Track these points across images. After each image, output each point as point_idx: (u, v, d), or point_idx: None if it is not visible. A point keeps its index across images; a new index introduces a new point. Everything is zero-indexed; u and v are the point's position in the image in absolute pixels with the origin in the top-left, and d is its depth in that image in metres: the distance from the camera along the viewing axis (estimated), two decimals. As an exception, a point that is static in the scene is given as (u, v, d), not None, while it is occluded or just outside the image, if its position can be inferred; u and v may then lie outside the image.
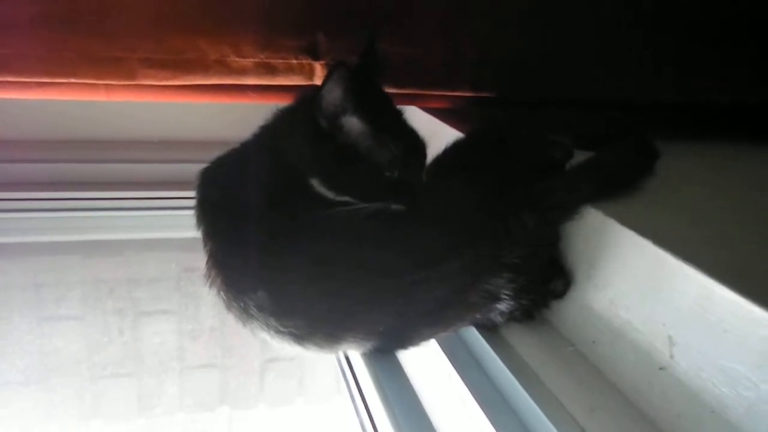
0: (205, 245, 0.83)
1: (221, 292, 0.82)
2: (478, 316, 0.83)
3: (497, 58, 1.12)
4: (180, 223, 1.59)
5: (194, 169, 0.88)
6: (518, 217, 0.79)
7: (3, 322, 1.80)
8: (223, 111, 1.56)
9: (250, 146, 0.90)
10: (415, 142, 0.87)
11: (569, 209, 0.81)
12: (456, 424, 0.94)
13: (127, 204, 1.62)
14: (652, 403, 0.71)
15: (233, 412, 2.09)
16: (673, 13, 1.15)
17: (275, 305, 0.77)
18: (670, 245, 0.67)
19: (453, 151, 0.95)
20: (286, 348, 0.81)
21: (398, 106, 0.92)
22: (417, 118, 0.91)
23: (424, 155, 0.88)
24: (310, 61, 1.04)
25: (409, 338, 0.85)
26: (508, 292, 0.80)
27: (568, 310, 0.87)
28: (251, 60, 1.02)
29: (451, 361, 0.90)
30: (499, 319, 0.85)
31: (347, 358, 1.31)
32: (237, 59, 1.02)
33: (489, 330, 0.88)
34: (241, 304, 0.79)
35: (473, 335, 0.90)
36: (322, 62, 1.05)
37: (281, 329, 0.78)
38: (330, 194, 0.82)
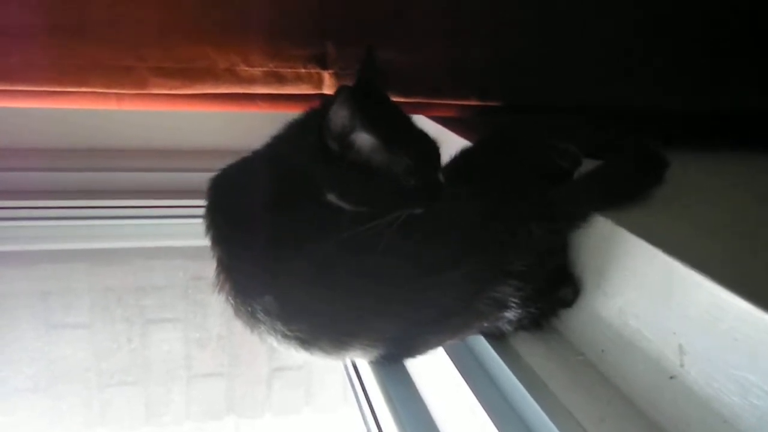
0: (214, 251, 0.84)
1: (229, 297, 0.82)
2: (485, 324, 0.83)
3: (504, 67, 1.12)
4: (187, 231, 1.60)
5: (202, 177, 0.88)
6: (525, 226, 0.78)
7: (11, 330, 1.81)
8: (232, 120, 1.56)
9: (261, 156, 0.90)
10: (427, 146, 0.87)
11: (577, 218, 0.81)
12: (464, 434, 0.93)
13: (135, 212, 1.63)
14: (663, 413, 0.71)
15: (240, 420, 2.09)
16: (682, 22, 1.15)
17: (282, 310, 0.78)
18: (680, 254, 0.67)
19: (460, 159, 0.95)
20: (292, 353, 0.81)
21: (404, 112, 0.92)
22: (424, 127, 0.91)
23: (438, 156, 0.88)
24: (318, 70, 1.05)
25: (416, 346, 0.85)
26: (515, 300, 0.79)
27: (577, 319, 0.86)
28: (260, 69, 1.03)
29: (459, 370, 0.90)
30: (507, 327, 0.84)
31: (355, 367, 1.31)
32: (246, 68, 1.02)
33: (497, 338, 0.88)
34: (249, 309, 0.80)
35: (481, 344, 0.90)
36: (330, 71, 1.05)
37: (288, 334, 0.78)
38: (348, 206, 0.82)
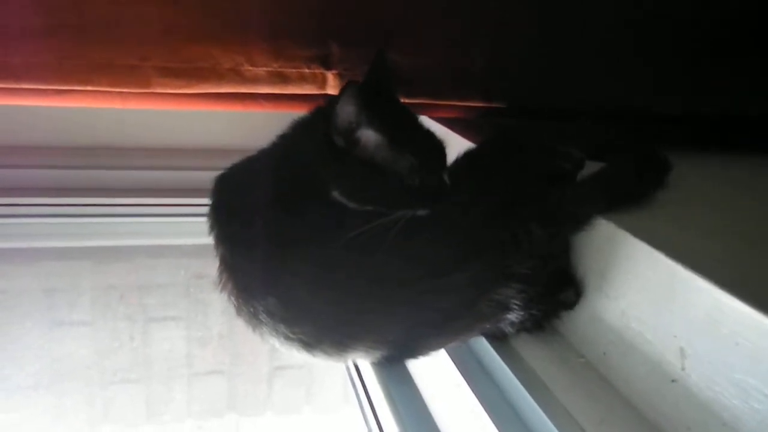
0: (217, 249, 0.84)
1: (232, 297, 0.82)
2: (487, 326, 0.83)
3: (508, 69, 1.12)
4: (190, 229, 1.60)
5: (205, 176, 0.88)
6: (528, 228, 0.79)
7: (14, 327, 1.81)
8: (236, 119, 1.57)
9: (266, 155, 0.91)
10: (432, 146, 0.87)
11: (580, 221, 0.81)
12: (465, 435, 0.93)
13: (139, 210, 1.63)
14: (663, 416, 0.71)
15: (241, 419, 2.09)
16: (679, 23, 1.15)
17: (285, 311, 0.78)
18: (682, 257, 0.67)
19: (463, 161, 0.95)
20: (294, 354, 0.81)
21: (411, 111, 0.92)
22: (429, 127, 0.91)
23: (444, 156, 0.88)
24: (322, 70, 1.05)
25: (418, 348, 0.85)
26: (518, 303, 0.79)
27: (578, 321, 0.87)
28: (264, 69, 1.03)
29: (460, 371, 0.90)
30: (509, 329, 0.84)
31: (356, 367, 1.31)
32: (250, 68, 1.03)
33: (499, 340, 0.88)
34: (251, 309, 0.80)
35: (483, 346, 0.90)
36: (334, 72, 1.05)
37: (290, 336, 0.79)
38: (352, 204, 0.82)
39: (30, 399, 1.87)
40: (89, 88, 1.00)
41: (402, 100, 0.97)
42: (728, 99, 1.19)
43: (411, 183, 0.82)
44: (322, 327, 0.79)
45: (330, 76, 1.06)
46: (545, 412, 0.75)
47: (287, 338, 0.79)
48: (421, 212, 0.81)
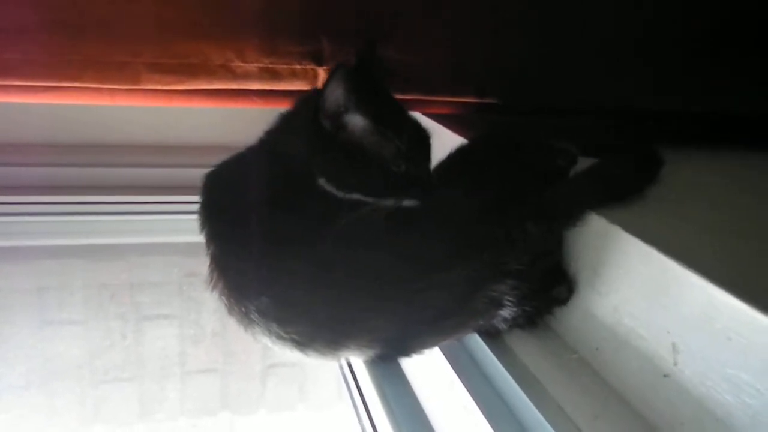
0: (208, 248, 0.84)
1: (223, 296, 0.82)
2: (481, 322, 0.83)
3: (501, 65, 1.12)
4: (182, 227, 1.60)
5: (197, 173, 0.88)
6: (521, 224, 0.78)
7: (5, 326, 1.80)
8: (227, 116, 1.56)
9: (254, 151, 0.90)
10: (419, 135, 0.88)
11: (573, 216, 0.81)
12: (458, 431, 0.93)
13: (130, 208, 1.63)
14: (656, 411, 0.71)
15: (234, 417, 2.09)
16: (678, 22, 1.16)
17: (277, 311, 0.77)
18: (674, 253, 0.67)
19: (456, 157, 0.95)
20: (287, 353, 0.81)
21: (399, 102, 0.93)
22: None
23: (429, 147, 0.89)
24: (313, 66, 1.05)
25: (412, 346, 0.84)
26: (511, 299, 0.79)
27: (571, 317, 0.87)
28: (255, 65, 1.03)
29: (453, 368, 0.90)
30: (502, 325, 0.84)
31: (349, 365, 1.31)
32: (241, 64, 1.02)
33: (492, 336, 0.88)
34: (243, 309, 0.79)
35: (476, 342, 0.90)
36: (325, 68, 1.05)
37: (283, 335, 0.78)
38: (339, 193, 0.82)
39: (21, 398, 1.86)
40: (79, 84, 0.99)
41: (396, 96, 0.97)
42: (727, 99, 1.20)
43: (397, 169, 0.82)
44: (315, 326, 0.79)
45: (321, 72, 1.05)
46: (538, 408, 0.75)
47: (280, 337, 0.78)
48: (407, 202, 0.81)
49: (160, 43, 0.99)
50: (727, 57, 1.19)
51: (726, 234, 0.77)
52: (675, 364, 0.68)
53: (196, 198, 0.87)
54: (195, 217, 0.86)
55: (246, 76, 1.03)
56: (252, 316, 0.78)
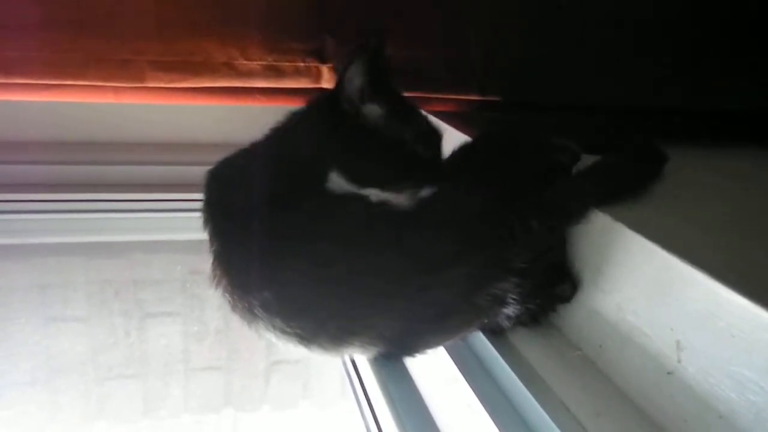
0: (212, 245, 0.84)
1: (226, 293, 0.82)
2: (485, 321, 0.83)
3: (504, 62, 1.12)
4: (185, 225, 1.59)
5: (200, 171, 0.88)
6: (524, 221, 0.78)
7: (8, 323, 1.81)
8: (230, 113, 1.56)
9: (258, 147, 0.90)
10: (431, 124, 0.90)
11: (576, 214, 0.81)
12: (462, 428, 0.93)
13: (133, 206, 1.63)
14: (660, 408, 0.71)
15: (238, 414, 2.09)
16: (678, 20, 1.15)
17: (281, 306, 0.77)
18: (678, 250, 0.67)
19: (459, 154, 0.95)
20: (291, 349, 0.81)
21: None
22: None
23: (441, 140, 0.91)
24: (317, 63, 1.05)
25: (415, 345, 0.84)
26: (514, 297, 0.79)
27: (575, 315, 0.87)
28: (258, 63, 1.03)
29: (457, 365, 0.90)
30: (505, 323, 0.84)
31: (353, 362, 1.31)
32: (244, 62, 1.02)
33: (495, 334, 0.88)
34: (246, 305, 0.79)
35: (480, 339, 0.90)
36: (328, 65, 1.05)
37: (287, 330, 0.78)
38: (351, 186, 0.82)
39: (25, 395, 1.86)
40: (82, 82, 0.99)
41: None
42: (728, 95, 1.20)
43: (417, 152, 0.83)
44: (319, 321, 0.79)
45: (325, 70, 1.05)
46: (542, 405, 0.75)
47: (284, 332, 0.79)
48: (424, 191, 0.81)
49: (163, 41, 0.99)
50: (728, 54, 1.18)
51: (729, 231, 0.77)
52: (679, 361, 0.68)
53: (199, 195, 0.87)
54: (198, 214, 0.86)
55: (249, 73, 1.03)
56: (256, 312, 0.78)
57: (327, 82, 1.06)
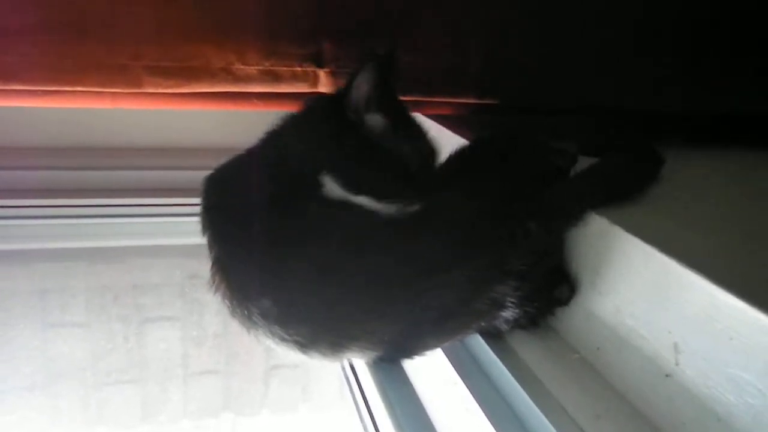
0: (211, 250, 0.84)
1: (225, 298, 0.82)
2: (483, 323, 0.83)
3: (501, 66, 1.12)
4: (184, 229, 1.60)
5: (199, 176, 0.88)
6: (522, 225, 0.78)
7: (8, 328, 1.81)
8: (228, 118, 1.56)
9: (255, 152, 0.91)
10: (429, 140, 0.90)
11: (573, 216, 0.81)
12: (461, 432, 0.93)
13: (132, 211, 1.63)
14: (658, 411, 0.71)
15: (237, 418, 2.09)
16: (677, 22, 1.16)
17: (280, 314, 0.77)
18: (676, 253, 0.67)
19: (457, 158, 0.95)
20: (290, 355, 0.81)
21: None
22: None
23: (437, 155, 0.91)
24: (314, 68, 1.05)
25: (414, 348, 0.84)
26: (513, 300, 0.79)
27: (573, 318, 0.87)
28: (256, 68, 1.03)
29: (455, 369, 0.90)
30: (504, 326, 0.84)
31: (351, 366, 1.31)
32: (242, 67, 1.02)
33: (494, 337, 0.88)
34: (245, 311, 0.79)
35: (478, 343, 0.90)
36: (326, 70, 1.05)
37: (286, 337, 0.78)
38: (341, 193, 0.82)
39: (24, 400, 1.86)
40: (80, 88, 0.99)
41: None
42: (727, 98, 1.20)
43: (409, 170, 0.83)
44: (318, 328, 0.79)
45: (322, 74, 1.05)
46: (540, 408, 0.75)
47: (283, 339, 0.78)
48: (412, 205, 0.81)
49: (160, 46, 0.99)
50: (727, 56, 1.18)
51: (727, 234, 0.77)
52: (677, 364, 0.68)
53: (198, 200, 0.87)
54: (197, 219, 0.87)
55: (247, 78, 1.03)
56: (254, 318, 0.78)
57: (324, 87, 1.06)
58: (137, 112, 1.22)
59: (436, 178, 0.87)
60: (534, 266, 0.79)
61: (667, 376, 0.69)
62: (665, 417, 0.70)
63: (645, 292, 0.73)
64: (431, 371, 0.96)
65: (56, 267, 1.81)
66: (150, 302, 1.90)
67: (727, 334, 0.61)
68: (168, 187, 1.63)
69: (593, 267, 0.82)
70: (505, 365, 0.84)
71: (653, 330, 0.71)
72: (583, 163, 0.88)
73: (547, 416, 0.74)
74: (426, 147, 0.87)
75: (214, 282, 0.83)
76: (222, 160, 0.91)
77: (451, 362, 0.91)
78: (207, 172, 0.89)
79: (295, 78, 1.05)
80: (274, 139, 0.91)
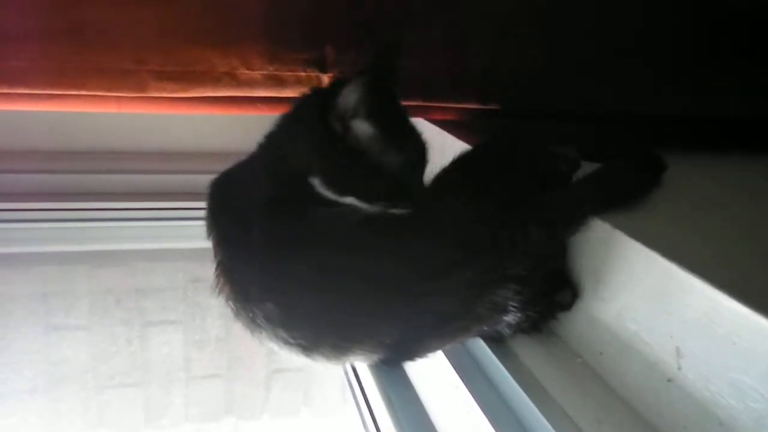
0: (215, 254, 0.84)
1: (229, 301, 0.82)
2: (485, 327, 0.83)
3: (503, 71, 1.13)
4: (187, 233, 1.60)
5: (202, 179, 0.89)
6: (524, 229, 0.78)
7: (10, 331, 1.81)
8: (232, 122, 1.57)
9: (256, 156, 0.91)
10: (420, 149, 0.89)
11: (575, 221, 0.81)
12: (463, 436, 0.93)
13: (135, 214, 1.63)
14: (660, 416, 0.71)
15: (239, 422, 2.09)
16: (677, 26, 1.16)
17: (283, 317, 0.78)
18: (677, 257, 0.67)
19: (459, 163, 0.95)
20: (293, 358, 0.81)
21: (405, 110, 0.94)
22: (423, 129, 0.92)
23: (426, 162, 0.90)
24: (318, 73, 1.05)
25: (416, 350, 0.85)
26: (515, 304, 0.79)
27: (575, 322, 0.87)
28: (260, 72, 1.03)
29: (458, 373, 0.90)
30: (506, 330, 0.84)
31: (354, 369, 1.31)
32: (246, 72, 1.03)
33: (496, 342, 0.88)
34: (249, 314, 0.80)
35: (480, 347, 0.90)
36: (329, 74, 1.06)
37: (290, 340, 0.79)
38: (330, 195, 0.83)
39: (26, 403, 1.86)
40: (85, 92, 1.00)
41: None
42: (728, 103, 1.20)
43: (395, 179, 0.83)
44: (321, 331, 0.79)
45: (325, 79, 1.06)
46: (542, 412, 0.75)
47: (286, 342, 0.79)
48: (397, 210, 0.82)
49: (165, 51, 1.00)
50: (727, 61, 1.19)
51: (729, 238, 0.77)
52: (679, 368, 0.68)
53: (201, 204, 0.88)
54: (199, 222, 0.87)
55: (251, 83, 1.04)
56: (258, 321, 0.79)
57: (328, 91, 1.06)
58: (140, 115, 1.22)
59: (423, 186, 0.87)
60: (536, 271, 0.79)
61: (669, 380, 0.69)
62: (667, 421, 0.70)
63: (647, 297, 0.73)
64: (433, 375, 0.96)
65: (59, 270, 1.81)
66: (152, 306, 1.90)
67: (729, 338, 0.61)
68: (170, 190, 1.63)
69: (595, 272, 0.82)
70: (508, 369, 0.84)
71: (655, 334, 0.72)
72: (586, 168, 0.88)
73: (549, 420, 0.74)
74: (412, 159, 0.87)
75: (218, 284, 0.83)
76: (225, 164, 0.92)
77: (453, 366, 0.91)
78: (210, 176, 0.90)
79: (298, 82, 1.05)
80: (270, 141, 0.92)
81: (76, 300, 1.83)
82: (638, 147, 0.93)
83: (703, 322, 0.64)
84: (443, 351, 0.90)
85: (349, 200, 0.84)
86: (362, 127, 0.82)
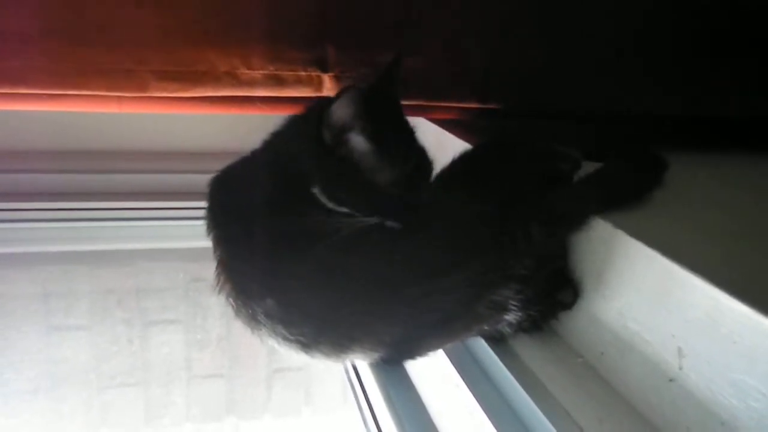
0: (215, 252, 0.84)
1: (230, 299, 0.82)
2: (486, 327, 0.83)
3: (504, 70, 1.12)
4: (188, 232, 1.60)
5: (202, 179, 0.89)
6: (525, 229, 0.78)
7: (11, 332, 1.81)
8: (232, 122, 1.57)
9: (259, 154, 0.91)
10: (420, 163, 0.89)
11: (577, 221, 0.81)
12: (464, 436, 0.93)
13: (136, 214, 1.63)
14: (662, 415, 0.71)
15: (240, 422, 2.09)
16: (678, 26, 1.16)
17: (283, 313, 0.78)
18: (679, 257, 0.67)
19: (460, 162, 0.95)
20: (293, 355, 0.82)
21: (410, 124, 0.93)
22: (424, 129, 0.92)
23: (429, 175, 0.90)
24: (318, 73, 1.05)
25: (416, 349, 0.85)
26: (515, 303, 0.79)
27: (576, 322, 0.87)
28: (260, 72, 1.03)
29: (459, 372, 0.90)
30: (507, 330, 0.84)
31: (355, 368, 1.31)
32: (246, 71, 1.03)
33: (497, 341, 0.88)
34: (250, 311, 0.80)
35: (481, 346, 0.90)
36: (330, 74, 1.05)
37: (289, 337, 0.79)
38: (329, 204, 0.83)
39: (28, 403, 1.86)
40: (85, 92, 1.00)
41: (402, 104, 0.97)
42: (727, 101, 1.20)
43: (389, 194, 0.83)
44: (321, 328, 0.79)
45: (326, 79, 1.06)
46: (544, 412, 0.75)
47: (286, 339, 0.79)
48: (391, 224, 0.81)
49: (165, 51, 1.00)
50: (727, 60, 1.19)
51: (730, 237, 0.77)
52: (680, 368, 0.68)
53: (202, 204, 0.88)
54: (200, 222, 0.87)
55: (251, 82, 1.04)
56: (259, 318, 0.79)
57: (328, 91, 1.06)
58: (142, 115, 1.22)
59: (418, 196, 0.87)
60: (537, 270, 0.79)
61: (670, 380, 0.69)
62: (669, 421, 0.70)
63: (648, 296, 0.73)
64: (434, 374, 0.96)
65: (59, 270, 1.81)
66: (153, 305, 1.90)
67: (731, 338, 0.61)
68: (171, 190, 1.63)
69: (597, 271, 0.82)
70: (509, 369, 0.84)
71: (657, 334, 0.72)
72: (587, 168, 0.88)
73: (550, 420, 0.74)
74: (413, 165, 0.86)
75: (218, 282, 0.83)
76: (226, 163, 0.91)
77: (454, 365, 0.91)
78: (210, 176, 0.90)
79: (299, 82, 1.05)
80: (274, 141, 0.91)
81: (76, 300, 1.83)
82: (640, 146, 0.93)
83: (705, 322, 0.64)
84: (444, 350, 0.90)
85: (345, 210, 0.83)
86: (357, 141, 0.81)
